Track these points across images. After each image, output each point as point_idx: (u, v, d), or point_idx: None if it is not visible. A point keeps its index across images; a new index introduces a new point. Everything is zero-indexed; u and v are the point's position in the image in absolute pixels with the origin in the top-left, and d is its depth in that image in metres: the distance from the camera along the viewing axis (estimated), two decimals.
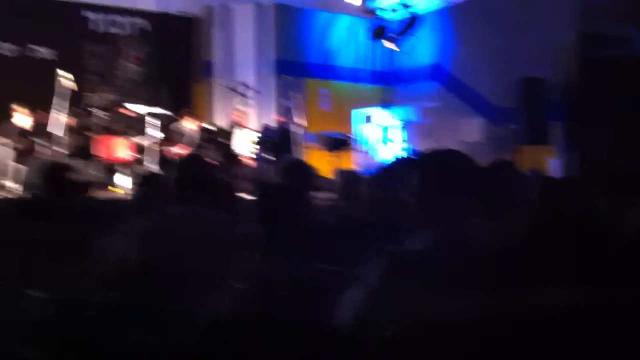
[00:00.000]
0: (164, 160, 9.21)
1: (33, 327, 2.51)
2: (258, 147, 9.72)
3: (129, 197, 4.29)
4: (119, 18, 11.49)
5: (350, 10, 12.17)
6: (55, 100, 8.34)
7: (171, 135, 9.44)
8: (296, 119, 9.37)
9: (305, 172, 3.82)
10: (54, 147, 8.65)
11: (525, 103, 9.34)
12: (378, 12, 11.83)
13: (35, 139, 8.66)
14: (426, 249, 1.82)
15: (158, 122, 9.18)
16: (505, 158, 4.94)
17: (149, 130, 8.81)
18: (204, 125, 9.87)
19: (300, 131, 9.40)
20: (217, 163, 8.75)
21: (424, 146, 10.61)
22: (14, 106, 9.04)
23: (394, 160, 5.89)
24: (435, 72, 11.75)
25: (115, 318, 2.74)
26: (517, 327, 1.45)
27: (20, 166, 8.40)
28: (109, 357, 2.67)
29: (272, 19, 11.53)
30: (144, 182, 4.68)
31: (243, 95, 10.99)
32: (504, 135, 9.70)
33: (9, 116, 9.02)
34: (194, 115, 9.61)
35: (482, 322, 1.47)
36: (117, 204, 5.25)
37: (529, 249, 1.81)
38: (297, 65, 11.42)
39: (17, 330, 2.00)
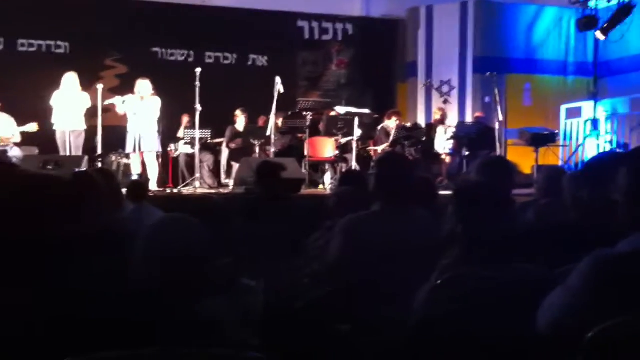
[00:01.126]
0: (367, 159, 9.72)
1: (250, 316, 2.92)
2: (456, 144, 9.86)
3: (333, 194, 4.64)
4: (327, 25, 12.25)
5: (555, 1, 11.85)
6: (272, 105, 9.17)
7: (375, 135, 9.90)
8: (496, 115, 9.38)
9: (505, 169, 3.59)
10: (267, 147, 9.52)
11: None
12: (589, 2, 11.36)
13: (250, 140, 9.57)
14: (637, 253, 1.74)
15: (363, 122, 9.70)
16: None
17: (354, 131, 9.34)
18: (405, 124, 10.21)
19: (500, 127, 9.40)
20: (416, 160, 9.07)
21: (634, 140, 10.09)
22: (237, 112, 10.11)
23: (600, 155, 5.66)
24: None
25: (325, 311, 3.07)
26: None
27: (236, 164, 9.35)
28: (318, 346, 3.03)
29: (475, 15, 11.57)
30: (347, 179, 5.07)
31: (444, 93, 11.21)
32: None
33: (233, 121, 10.10)
34: (398, 114, 9.97)
35: None
36: (324, 200, 5.66)
37: None
38: (498, 61, 11.35)
39: (235, 318, 2.37)
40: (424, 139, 9.71)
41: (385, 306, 2.79)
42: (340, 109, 10.27)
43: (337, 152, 9.77)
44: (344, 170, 9.14)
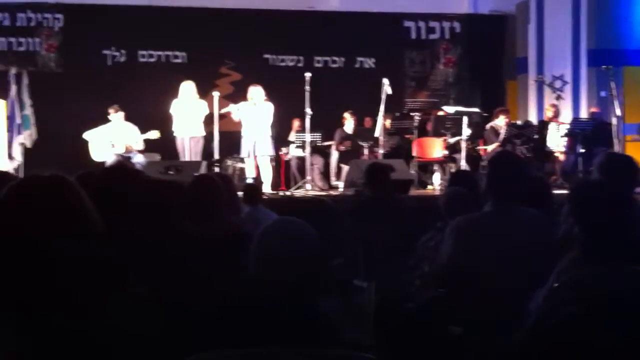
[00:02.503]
0: (476, 158, 9.60)
1: (362, 316, 2.99)
2: (570, 141, 9.57)
3: (443, 195, 4.63)
4: (434, 24, 12.19)
5: None
6: (380, 107, 9.25)
7: (485, 134, 9.77)
8: (613, 110, 9.03)
9: (629, 167, 3.38)
10: (375, 149, 9.60)
11: None
12: None
13: (359, 142, 9.69)
14: None
15: (472, 121, 9.60)
16: None
17: (463, 130, 9.26)
18: (516, 121, 10.01)
19: (618, 122, 9.04)
20: (528, 159, 8.87)
21: None
22: (345, 114, 10.28)
23: None
24: None
25: (437, 312, 3.09)
26: None
27: (345, 166, 9.50)
28: (429, 347, 3.06)
29: (588, 6, 11.17)
30: (457, 179, 5.06)
31: (557, 88, 10.89)
32: None
33: (342, 124, 10.28)
34: (507, 112, 9.80)
35: None
36: (433, 201, 5.66)
37: None
38: (614, 53, 10.90)
39: (347, 318, 2.43)
40: (535, 136, 9.48)
41: (498, 309, 2.78)
42: (449, 109, 10.21)
43: (445, 152, 9.71)
44: (452, 170, 9.08)
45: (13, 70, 9.71)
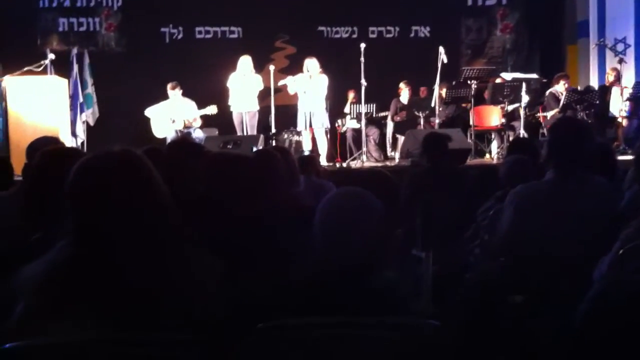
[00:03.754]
0: (536, 126, 9.44)
1: (422, 286, 3.00)
2: (633, 105, 9.31)
3: (502, 164, 4.59)
4: None
5: None
6: (435, 76, 9.17)
7: (544, 100, 9.59)
8: None
9: None
10: (431, 119, 9.53)
11: None
12: None
13: (414, 112, 9.63)
14: None
15: (530, 88, 9.43)
16: None
17: (521, 97, 9.11)
18: (576, 87, 9.78)
19: None
20: (589, 125, 8.67)
21: None
22: (401, 85, 10.22)
23: None
24: None
25: (497, 282, 3.08)
26: None
27: (401, 137, 9.47)
28: (490, 316, 3.06)
29: None
30: (516, 147, 5.00)
31: (619, 52, 10.55)
32: None
33: (397, 94, 10.22)
34: (566, 77, 9.58)
35: None
36: (492, 170, 5.61)
37: None
38: None
39: (407, 288, 2.45)
40: (597, 102, 9.25)
41: (561, 277, 2.77)
42: (506, 75, 10.03)
43: (503, 120, 9.57)
44: (511, 138, 8.96)
45: (75, 50, 9.95)
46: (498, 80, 9.87)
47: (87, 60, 10.00)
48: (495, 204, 3.87)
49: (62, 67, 9.21)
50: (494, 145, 9.82)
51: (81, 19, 11.00)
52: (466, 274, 3.53)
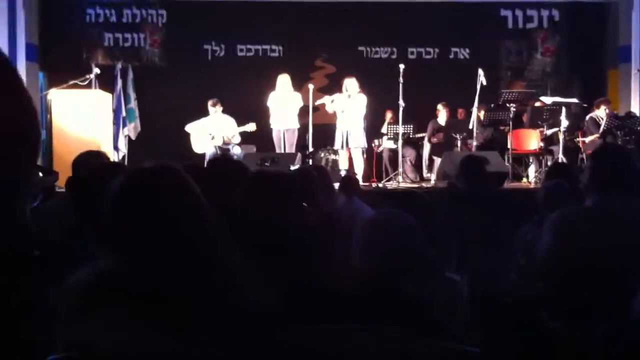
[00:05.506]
0: (574, 151, 9.33)
1: (456, 309, 2.99)
2: None
3: (541, 188, 4.57)
4: (531, 12, 11.89)
5: None
6: (474, 98, 9.15)
7: (584, 125, 9.49)
8: None
9: None
10: (469, 141, 9.49)
11: None
12: None
13: (452, 133, 9.61)
14: None
15: (570, 112, 9.34)
16: None
17: (561, 121, 9.03)
18: (617, 112, 9.66)
19: None
20: (630, 150, 8.55)
21: None
22: (438, 106, 10.22)
23: None
24: None
25: (536, 307, 3.07)
26: None
27: (437, 159, 9.45)
28: (528, 341, 3.04)
29: None
30: (555, 172, 4.97)
31: None
32: None
33: (435, 116, 10.23)
34: (607, 103, 9.47)
35: None
36: (530, 194, 5.57)
37: None
38: None
39: (443, 310, 2.44)
40: (638, 128, 9.12)
41: (601, 305, 2.73)
42: (546, 99, 9.95)
43: (541, 144, 9.50)
44: (549, 163, 8.88)
45: (119, 65, 10.19)
46: (537, 104, 9.79)
47: (130, 75, 10.22)
48: (532, 228, 3.85)
49: (106, 82, 9.44)
50: (532, 170, 9.74)
51: (126, 35, 11.25)
52: (502, 298, 3.51)
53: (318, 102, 8.87)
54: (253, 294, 1.74)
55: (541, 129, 9.40)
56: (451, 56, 11.70)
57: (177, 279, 1.65)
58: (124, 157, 9.78)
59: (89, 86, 8.78)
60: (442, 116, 10.23)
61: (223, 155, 5.73)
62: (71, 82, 8.65)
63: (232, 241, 1.84)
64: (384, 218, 2.20)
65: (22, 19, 9.99)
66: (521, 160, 9.93)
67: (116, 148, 9.56)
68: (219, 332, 1.62)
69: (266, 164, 7.67)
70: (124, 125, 9.89)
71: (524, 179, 9.60)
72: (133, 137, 10.12)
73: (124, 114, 9.88)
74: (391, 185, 8.95)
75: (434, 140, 10.16)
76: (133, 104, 10.13)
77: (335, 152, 9.22)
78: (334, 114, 8.81)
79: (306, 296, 2.09)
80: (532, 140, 9.77)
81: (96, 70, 8.88)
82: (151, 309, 1.60)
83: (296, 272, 2.46)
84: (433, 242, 3.43)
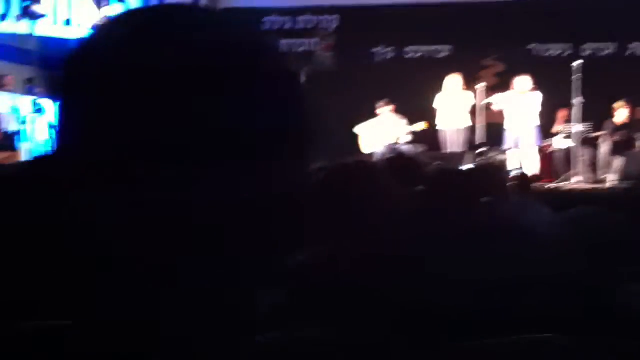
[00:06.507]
0: None
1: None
2: None
3: None
4: None
5: None
6: None
7: None
8: None
9: None
10: None
11: None
12: None
13: (633, 133, 9.13)
14: None
15: None
16: None
17: None
18: None
19: None
20: None
21: None
22: (615, 104, 9.75)
23: None
24: None
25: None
26: None
27: (618, 158, 9.01)
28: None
29: None
30: None
31: None
32: None
33: (611, 115, 9.77)
34: None
35: None
36: None
37: None
38: None
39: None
40: None
41: None
42: None
43: None
44: None
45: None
46: None
47: (302, 80, 10.67)
48: None
49: None
50: None
51: (300, 40, 11.74)
52: None
53: (485, 101, 8.82)
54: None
55: None
56: (629, 52, 11.09)
57: None
58: None
59: None
60: (620, 115, 9.71)
61: (398, 155, 5.91)
62: None
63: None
64: (583, 216, 2.21)
65: None
66: None
67: None
68: None
69: (435, 163, 7.73)
70: None
71: None
72: None
73: None
74: (565, 185, 8.68)
75: (612, 139, 9.69)
76: None
77: (504, 152, 9.10)
78: (502, 113, 8.70)
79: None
80: None
81: None
82: None
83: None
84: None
